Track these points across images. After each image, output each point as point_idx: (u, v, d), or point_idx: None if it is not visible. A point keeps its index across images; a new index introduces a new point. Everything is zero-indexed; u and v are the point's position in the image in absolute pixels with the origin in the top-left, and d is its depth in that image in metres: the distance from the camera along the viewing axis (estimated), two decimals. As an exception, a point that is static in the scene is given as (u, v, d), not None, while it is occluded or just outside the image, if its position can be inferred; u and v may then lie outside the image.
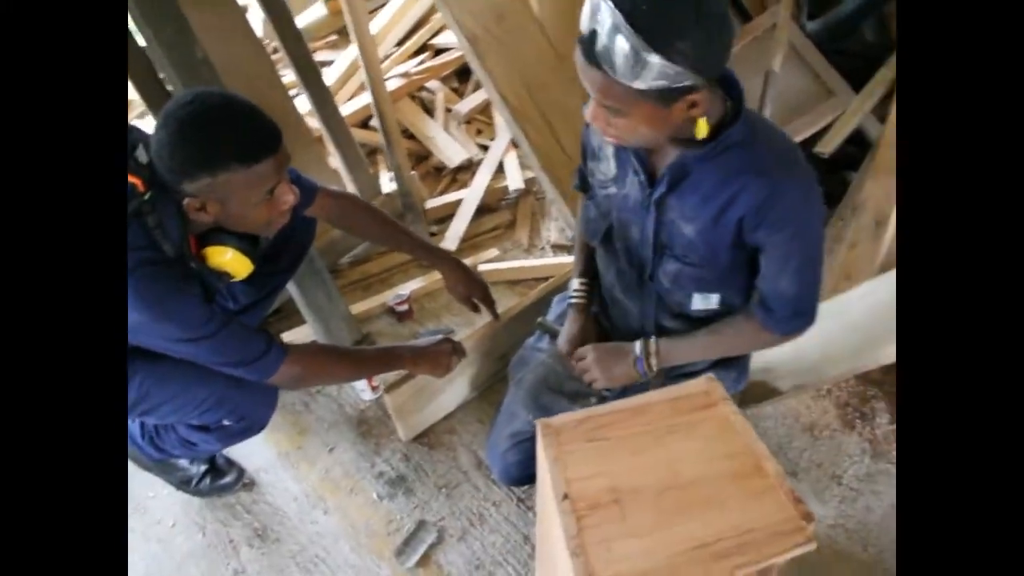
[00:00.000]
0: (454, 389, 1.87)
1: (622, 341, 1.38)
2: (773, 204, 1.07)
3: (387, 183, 2.59)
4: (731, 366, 1.42)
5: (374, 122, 2.72)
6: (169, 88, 1.69)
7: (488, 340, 1.82)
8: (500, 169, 2.74)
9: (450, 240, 2.46)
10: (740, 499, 0.87)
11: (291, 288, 1.83)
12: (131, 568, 1.65)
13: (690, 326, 1.33)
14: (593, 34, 0.91)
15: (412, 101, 3.08)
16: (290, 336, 2.13)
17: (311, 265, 1.80)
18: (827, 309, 1.24)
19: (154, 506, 1.78)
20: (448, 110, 3.02)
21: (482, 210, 2.60)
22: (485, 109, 3.05)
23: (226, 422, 1.47)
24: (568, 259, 2.32)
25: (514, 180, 2.65)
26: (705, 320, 1.31)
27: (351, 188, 2.43)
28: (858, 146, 2.12)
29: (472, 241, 2.52)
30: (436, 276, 2.27)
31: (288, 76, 2.82)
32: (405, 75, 3.08)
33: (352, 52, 3.09)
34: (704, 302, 1.28)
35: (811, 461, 1.70)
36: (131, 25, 1.47)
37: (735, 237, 1.14)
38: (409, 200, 2.54)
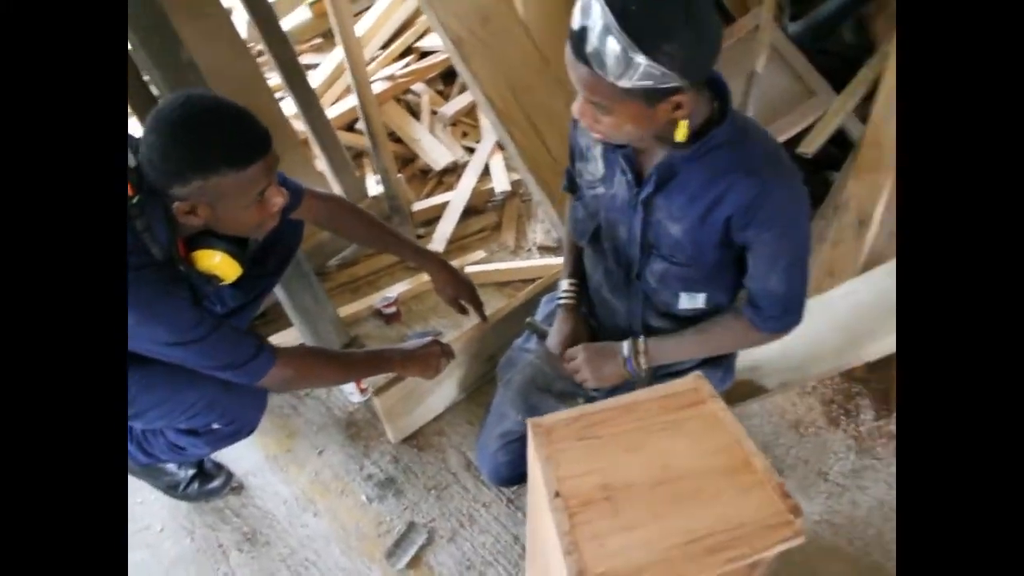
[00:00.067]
0: (442, 391, 1.87)
1: (610, 341, 1.39)
2: (762, 203, 1.08)
3: (373, 186, 2.59)
4: (717, 365, 1.43)
5: (360, 125, 2.72)
6: (154, 91, 1.68)
7: (476, 342, 1.83)
8: (486, 171, 2.75)
9: (437, 242, 2.47)
10: (730, 494, 0.88)
11: (278, 291, 1.82)
12: (119, 574, 1.63)
13: (677, 325, 1.34)
14: (584, 31, 0.92)
15: (398, 104, 3.08)
16: (278, 339, 2.11)
17: (298, 268, 1.79)
18: (812, 307, 1.25)
19: (141, 511, 1.77)
20: (434, 112, 3.03)
21: (468, 212, 2.61)
22: (471, 111, 3.05)
23: (215, 426, 1.46)
24: (554, 260, 2.33)
25: (500, 182, 2.66)
26: (692, 319, 1.32)
27: (337, 191, 2.43)
28: (839, 147, 2.15)
29: (459, 243, 2.53)
30: (424, 278, 2.28)
31: (273, 79, 2.81)
32: (391, 78, 3.08)
33: (338, 55, 3.09)
34: (691, 301, 1.29)
35: (797, 458, 1.73)
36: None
37: (722, 236, 1.15)
38: (396, 203, 2.54)
